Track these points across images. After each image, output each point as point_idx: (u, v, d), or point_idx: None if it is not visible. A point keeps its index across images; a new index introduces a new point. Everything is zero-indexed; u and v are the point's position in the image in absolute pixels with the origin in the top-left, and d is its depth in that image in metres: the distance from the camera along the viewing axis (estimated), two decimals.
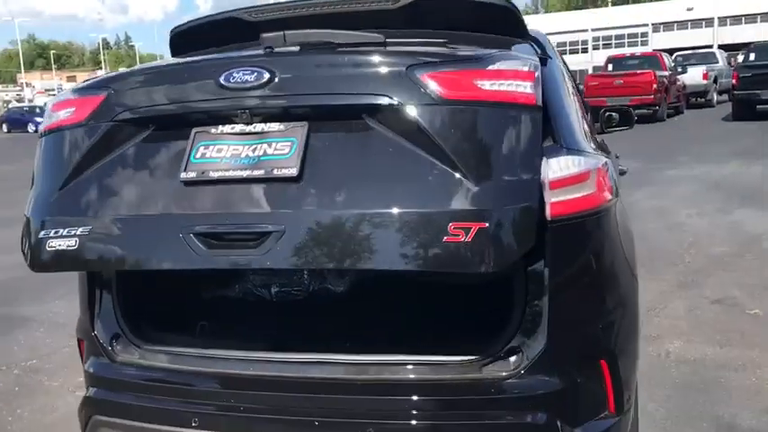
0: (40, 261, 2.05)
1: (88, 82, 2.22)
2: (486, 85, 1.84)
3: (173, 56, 2.73)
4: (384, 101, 1.83)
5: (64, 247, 1.99)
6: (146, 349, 2.22)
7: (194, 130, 1.97)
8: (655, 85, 18.40)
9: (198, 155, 1.94)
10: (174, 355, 2.18)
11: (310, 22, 2.42)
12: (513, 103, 1.83)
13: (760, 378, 3.58)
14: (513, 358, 1.97)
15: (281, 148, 1.88)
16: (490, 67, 1.86)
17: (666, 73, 20.00)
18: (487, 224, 1.75)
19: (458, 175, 1.79)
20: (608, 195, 2.15)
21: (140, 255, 1.99)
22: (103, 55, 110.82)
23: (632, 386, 2.26)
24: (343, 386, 2.00)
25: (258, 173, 1.86)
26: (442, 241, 1.74)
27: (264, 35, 2.06)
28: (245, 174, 1.87)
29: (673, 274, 5.48)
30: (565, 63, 3.31)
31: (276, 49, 2.02)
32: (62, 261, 2.04)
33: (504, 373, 1.96)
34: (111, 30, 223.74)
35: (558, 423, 1.98)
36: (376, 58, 1.90)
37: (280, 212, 1.86)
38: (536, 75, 1.87)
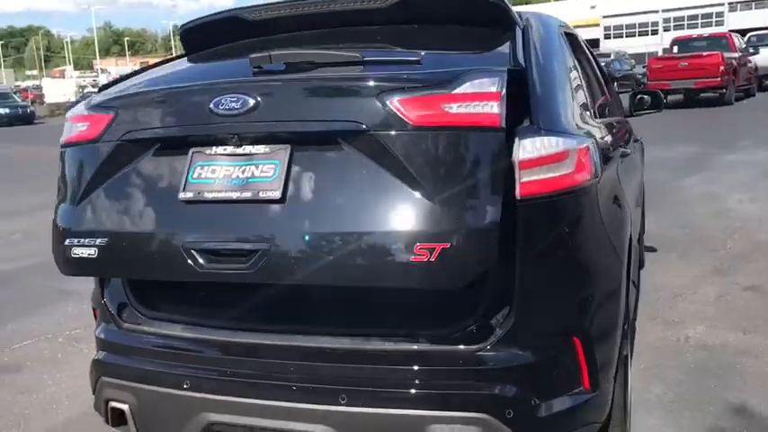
0: (67, 267, 2.29)
1: (96, 101, 2.36)
2: (453, 108, 1.92)
3: (185, 51, 2.88)
4: (357, 126, 1.94)
5: (85, 256, 2.21)
6: (148, 317, 2.38)
7: (192, 150, 2.13)
8: (722, 67, 17.76)
9: (195, 174, 2.10)
10: (171, 322, 2.34)
11: (305, 22, 2.54)
12: (478, 126, 1.91)
13: None
14: (482, 332, 2.03)
15: (266, 170, 2.02)
16: (456, 91, 1.92)
17: (736, 54, 19.28)
18: (449, 244, 1.85)
19: (423, 198, 1.89)
20: (586, 176, 2.18)
21: (149, 267, 2.19)
22: (173, 41, 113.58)
23: (610, 364, 2.29)
24: (320, 354, 2.11)
25: (246, 195, 2.02)
26: (409, 261, 1.86)
27: (253, 56, 2.18)
28: (234, 195, 2.04)
29: (710, 259, 5.38)
30: (574, 40, 3.30)
31: (262, 72, 2.15)
32: (84, 268, 2.27)
33: (474, 346, 2.03)
34: (184, 16, 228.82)
35: (528, 395, 2.04)
36: (350, 85, 2.03)
37: (266, 232, 2.02)
38: (501, 94, 1.92)
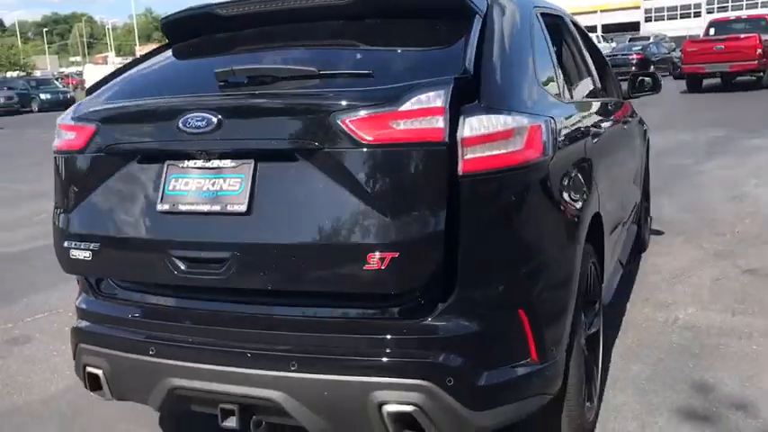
0: (67, 266, 2.51)
1: (79, 111, 2.53)
2: (401, 125, 2.03)
3: (168, 41, 2.99)
4: (312, 144, 2.09)
5: (81, 258, 2.42)
6: (122, 287, 2.51)
7: (167, 163, 2.29)
8: (759, 50, 17.29)
9: (170, 187, 2.27)
10: (141, 293, 2.47)
11: (272, 18, 2.66)
12: (424, 142, 2.03)
13: (761, 346, 3.52)
14: (426, 303, 2.11)
15: (233, 184, 2.18)
16: (402, 108, 2.03)
17: None
18: (399, 254, 2.01)
19: (375, 211, 2.03)
20: (535, 154, 2.23)
21: (137, 271, 2.40)
22: None
23: (561, 338, 2.34)
24: (273, 324, 2.22)
25: (216, 208, 2.20)
26: (363, 269, 2.03)
27: (217, 70, 2.30)
28: (206, 208, 2.21)
29: (716, 243, 5.34)
30: (555, 22, 3.33)
31: (227, 86, 2.29)
32: (82, 268, 2.49)
33: (417, 317, 2.11)
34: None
35: (470, 365, 2.11)
36: (304, 105, 2.17)
37: (235, 242, 2.18)
38: (444, 108, 2.03)
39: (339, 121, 2.05)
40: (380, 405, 2.09)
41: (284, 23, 2.71)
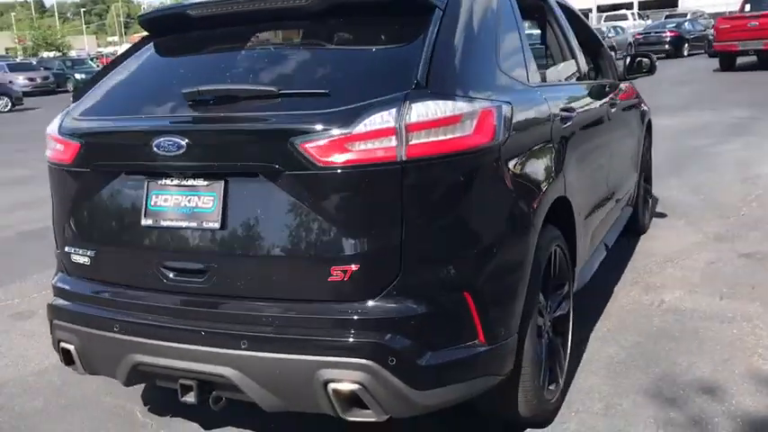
0: (69, 269, 2.68)
1: (66, 125, 2.68)
2: (355, 146, 2.13)
3: (147, 32, 3.07)
4: (273, 166, 2.20)
5: (81, 263, 2.61)
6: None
7: (147, 180, 2.42)
8: None
9: (152, 203, 2.42)
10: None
11: (238, 19, 2.73)
12: (378, 162, 2.12)
13: (742, 331, 3.50)
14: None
15: (206, 201, 2.33)
16: (356, 131, 2.12)
17: None
18: (359, 266, 2.15)
19: (335, 227, 2.17)
20: (484, 139, 2.26)
21: (131, 277, 2.53)
22: None
23: (509, 319, 2.38)
24: (226, 304, 2.31)
25: (193, 224, 2.35)
26: (327, 281, 2.17)
27: (184, 91, 2.40)
28: (184, 224, 2.36)
29: (718, 226, 5.29)
30: (533, 4, 3.32)
31: (195, 105, 2.41)
32: (82, 272, 2.63)
33: (361, 298, 2.17)
34: None
35: (414, 345, 2.17)
36: (263, 130, 2.29)
37: (212, 255, 2.34)
38: (396, 128, 2.11)
39: (297, 146, 2.15)
40: (326, 383, 2.16)
41: (249, 24, 2.77)
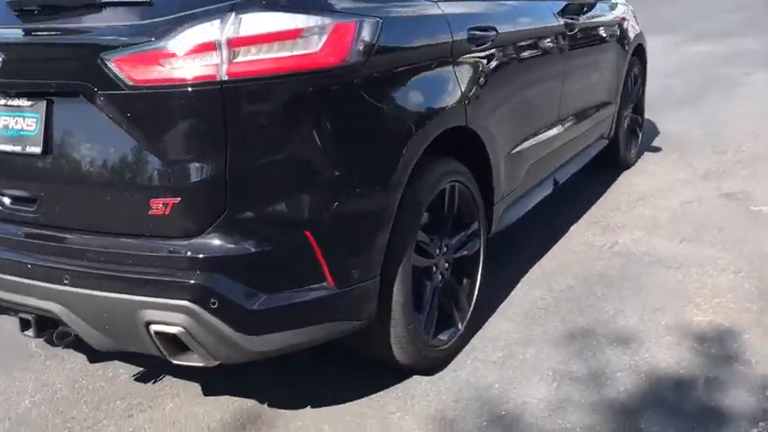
0: None
1: None
2: (171, 62, 1.87)
3: None
4: (88, 85, 1.97)
5: None
6: None
7: None
8: None
9: None
10: None
11: None
12: (195, 83, 1.87)
13: (688, 278, 3.21)
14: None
15: (30, 124, 2.14)
16: (172, 45, 1.87)
17: None
18: (180, 199, 1.94)
19: (154, 155, 1.95)
20: (338, 58, 2.01)
21: None
22: None
23: (367, 261, 2.18)
24: (50, 237, 2.16)
25: (17, 148, 2.16)
26: (148, 214, 1.97)
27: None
28: (9, 148, 2.18)
29: (711, 162, 4.87)
30: None
31: (20, 18, 2.17)
32: None
33: (185, 236, 1.97)
34: None
35: (241, 286, 1.99)
36: (77, 43, 2.07)
37: (37, 183, 2.17)
38: (215, 42, 1.86)
39: (108, 62, 1.92)
40: (147, 324, 2.01)
41: None
